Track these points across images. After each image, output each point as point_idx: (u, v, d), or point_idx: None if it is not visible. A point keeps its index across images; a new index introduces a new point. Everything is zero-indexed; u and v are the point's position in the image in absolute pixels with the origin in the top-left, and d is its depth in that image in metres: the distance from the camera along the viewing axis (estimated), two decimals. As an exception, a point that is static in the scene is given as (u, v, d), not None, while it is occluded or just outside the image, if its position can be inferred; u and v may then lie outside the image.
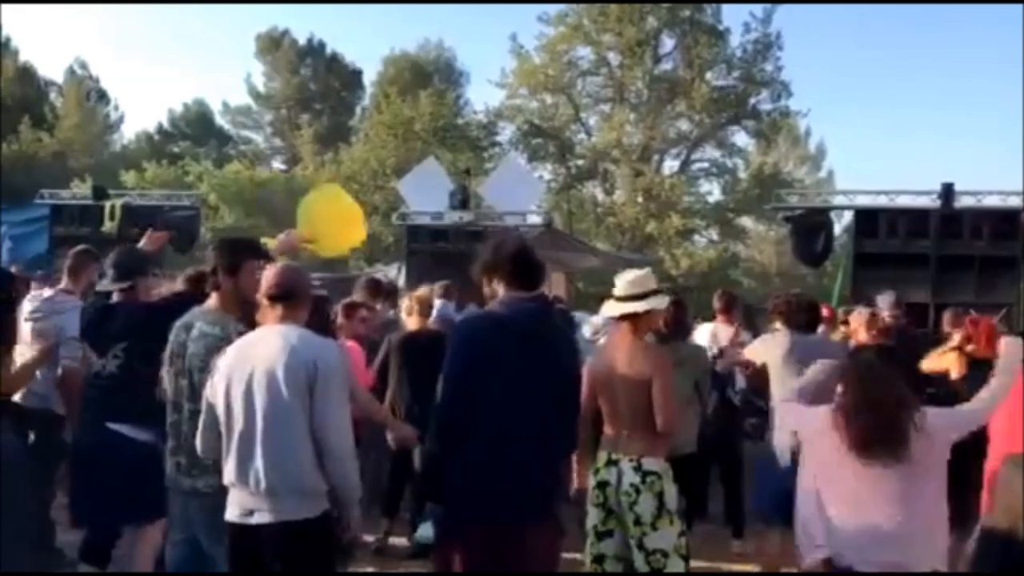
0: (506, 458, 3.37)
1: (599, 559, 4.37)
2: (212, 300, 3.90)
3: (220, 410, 3.43)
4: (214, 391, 3.46)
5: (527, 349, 3.44)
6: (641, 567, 4.22)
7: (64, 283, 5.74)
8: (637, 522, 4.21)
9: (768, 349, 5.38)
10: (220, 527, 3.57)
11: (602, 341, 6.80)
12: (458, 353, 3.49)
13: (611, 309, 4.49)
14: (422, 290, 6.82)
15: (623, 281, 4.45)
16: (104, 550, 4.65)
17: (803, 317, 5.39)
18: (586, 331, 7.22)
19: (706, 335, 7.06)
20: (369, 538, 6.02)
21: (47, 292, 5.80)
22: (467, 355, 3.46)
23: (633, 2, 30.45)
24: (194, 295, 4.39)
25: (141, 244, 5.32)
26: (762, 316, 9.72)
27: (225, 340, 3.65)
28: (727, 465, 6.79)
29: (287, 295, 3.50)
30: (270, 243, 4.49)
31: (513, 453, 3.38)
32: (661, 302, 4.50)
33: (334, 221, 4.78)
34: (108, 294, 4.72)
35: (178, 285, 5.33)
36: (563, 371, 3.62)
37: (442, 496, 3.55)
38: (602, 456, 4.39)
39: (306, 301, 3.60)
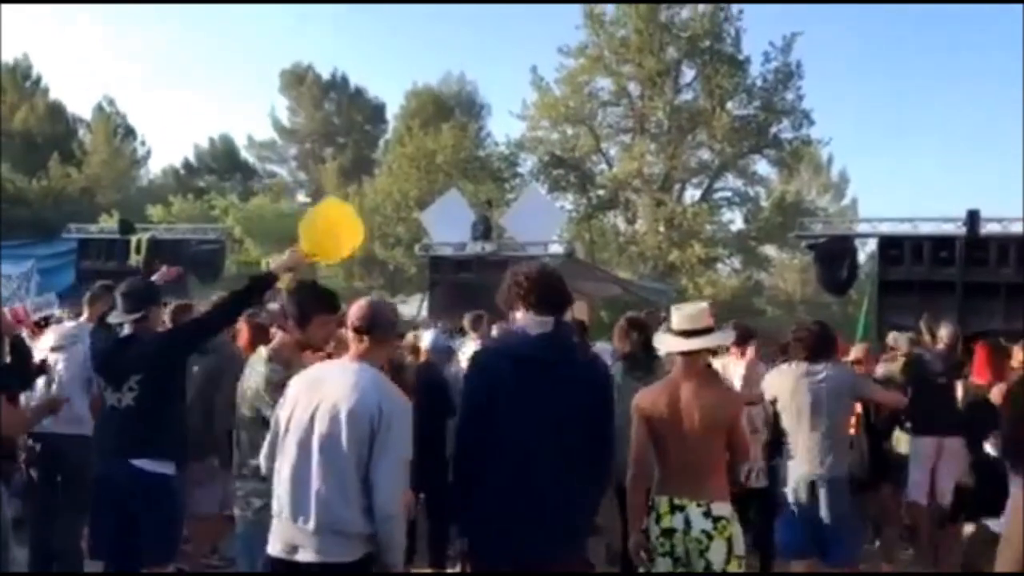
0: (524, 492, 3.24)
1: None
2: (276, 340, 4.07)
3: (280, 435, 3.42)
4: (278, 417, 3.47)
5: (544, 377, 3.30)
6: None
7: (85, 315, 5.82)
8: (708, 569, 4.04)
9: (780, 380, 5.34)
10: (243, 554, 3.61)
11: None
12: (471, 383, 3.43)
13: (672, 344, 4.30)
14: (410, 336, 6.94)
15: (684, 315, 4.26)
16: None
17: (813, 347, 5.28)
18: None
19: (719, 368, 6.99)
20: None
21: (69, 323, 5.88)
22: (480, 385, 3.37)
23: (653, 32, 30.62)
24: (211, 324, 4.48)
25: (154, 278, 5.35)
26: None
27: (265, 380, 3.82)
28: (764, 502, 6.68)
29: (372, 328, 3.44)
30: (274, 260, 4.52)
31: (532, 487, 3.24)
32: (726, 337, 4.39)
33: (331, 229, 4.78)
34: (117, 326, 4.70)
35: (165, 317, 5.40)
36: (587, 400, 3.38)
37: (464, 530, 3.48)
38: (663, 502, 4.14)
39: (391, 338, 3.59)
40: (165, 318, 5.63)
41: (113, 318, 4.72)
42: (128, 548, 4.36)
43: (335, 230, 4.74)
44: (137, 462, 4.27)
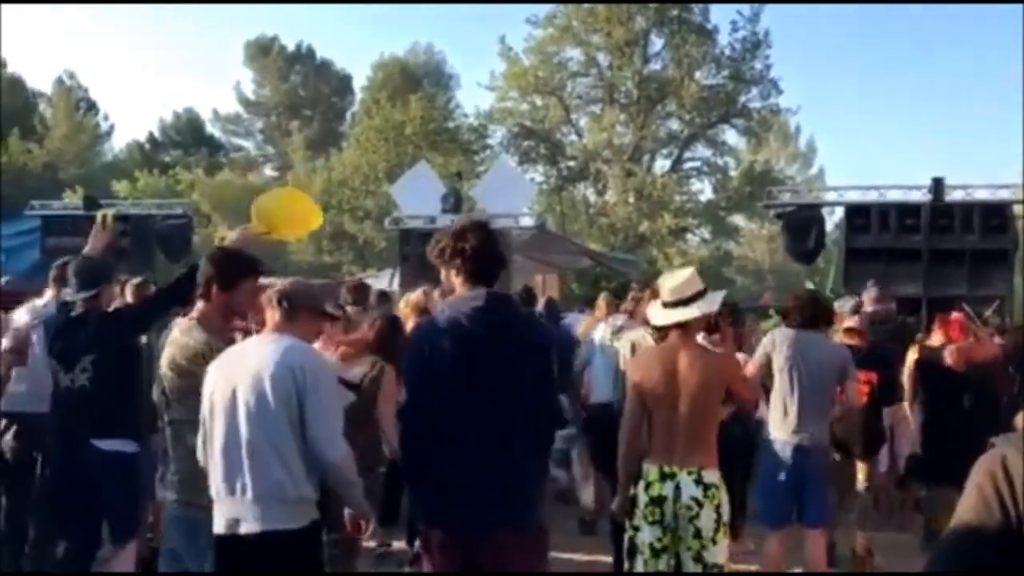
0: (471, 463, 3.23)
1: None
2: (197, 309, 3.82)
3: (205, 417, 3.39)
4: (203, 399, 3.43)
5: (481, 350, 3.27)
6: None
7: (50, 293, 5.73)
8: (697, 535, 4.07)
9: (776, 343, 5.33)
10: (190, 541, 3.56)
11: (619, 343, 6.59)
12: (410, 361, 3.42)
13: (661, 317, 4.30)
14: (415, 294, 6.81)
15: (669, 286, 4.26)
16: (86, 559, 4.60)
17: (804, 314, 5.32)
18: (598, 335, 7.04)
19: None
20: (371, 543, 6.02)
21: (39, 301, 5.81)
22: (418, 362, 3.35)
23: (622, 1, 30.49)
24: (160, 300, 4.38)
25: (88, 247, 5.25)
26: (752, 315, 9.74)
27: (192, 352, 3.62)
28: (737, 464, 6.72)
29: (288, 299, 3.46)
30: (228, 236, 4.45)
31: (477, 457, 3.23)
32: (712, 304, 4.29)
33: (287, 207, 4.75)
34: (72, 304, 4.62)
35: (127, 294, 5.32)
36: (527, 370, 3.36)
37: (418, 502, 3.54)
38: (652, 470, 4.16)
39: (308, 314, 3.55)
40: (127, 295, 5.56)
41: (66, 296, 4.66)
42: (90, 528, 4.35)
43: (291, 208, 4.72)
44: (97, 443, 4.23)
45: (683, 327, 4.21)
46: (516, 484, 3.33)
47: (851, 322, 6.51)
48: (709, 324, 4.95)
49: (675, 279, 4.33)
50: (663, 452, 4.15)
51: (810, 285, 8.53)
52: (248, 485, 3.25)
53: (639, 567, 4.20)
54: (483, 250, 3.38)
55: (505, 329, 3.36)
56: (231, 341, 3.68)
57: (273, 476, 3.25)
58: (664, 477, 4.12)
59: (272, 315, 3.48)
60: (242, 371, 3.33)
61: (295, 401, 3.25)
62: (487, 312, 3.31)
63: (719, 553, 4.08)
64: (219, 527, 3.35)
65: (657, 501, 4.11)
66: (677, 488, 4.09)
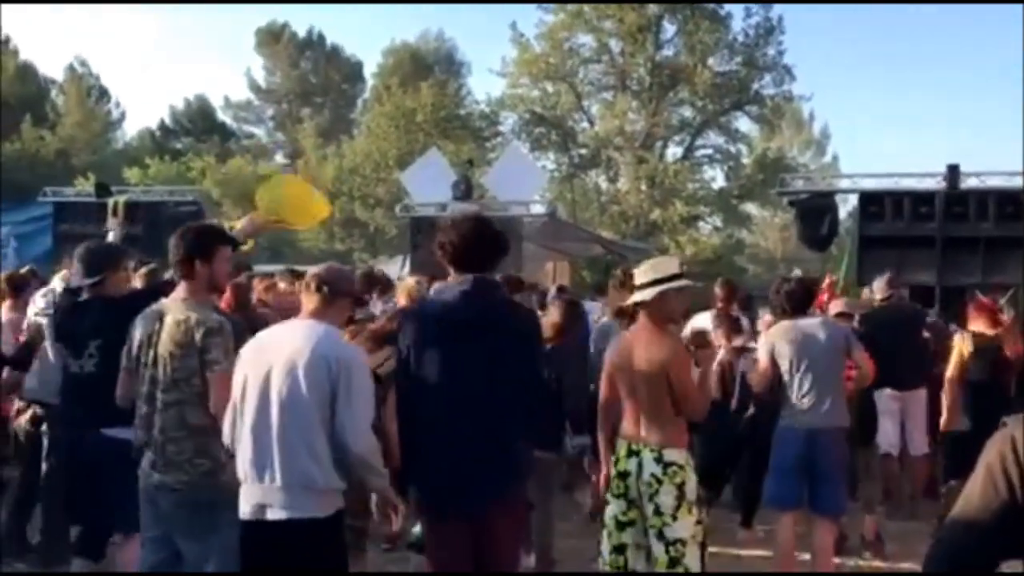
0: (459, 444, 3.41)
1: (620, 549, 4.31)
2: (182, 289, 3.75)
3: (236, 400, 3.38)
4: (234, 381, 3.42)
5: (465, 335, 3.47)
6: (660, 556, 4.18)
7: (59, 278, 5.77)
8: (657, 512, 4.16)
9: (777, 333, 5.34)
10: (196, 522, 3.53)
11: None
12: (399, 346, 3.60)
13: (638, 295, 4.37)
14: (409, 281, 6.80)
15: (641, 269, 4.39)
16: (99, 543, 4.60)
17: (794, 301, 5.35)
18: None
19: (706, 323, 7.03)
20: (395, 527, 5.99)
21: (55, 286, 5.83)
22: (405, 347, 3.54)
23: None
24: (162, 288, 4.32)
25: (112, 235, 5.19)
26: (765, 303, 9.69)
27: (203, 326, 3.56)
28: (758, 454, 6.70)
29: (324, 285, 3.45)
30: (236, 226, 4.41)
31: (465, 439, 3.41)
32: (671, 287, 4.27)
33: (294, 196, 4.75)
34: (79, 290, 4.59)
35: (136, 282, 5.31)
36: (511, 354, 3.54)
37: (412, 489, 3.65)
38: (622, 446, 4.33)
39: (345, 300, 3.55)
40: (136, 282, 5.55)
41: (72, 282, 4.65)
42: (100, 513, 4.35)
43: (296, 198, 4.72)
44: (105, 431, 4.21)
45: (649, 310, 4.29)
46: (506, 464, 3.54)
47: (840, 307, 6.50)
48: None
49: (648, 263, 4.48)
50: (629, 430, 4.32)
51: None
52: (277, 472, 3.26)
53: (603, 540, 4.35)
54: (466, 241, 3.59)
55: (488, 313, 3.57)
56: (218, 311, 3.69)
57: (302, 465, 3.25)
58: (630, 453, 4.27)
59: (309, 300, 3.47)
60: (277, 356, 3.33)
61: (328, 391, 3.26)
62: (471, 297, 3.52)
63: (680, 529, 4.15)
64: (245, 512, 3.36)
65: (622, 476, 4.28)
66: (640, 465, 4.22)
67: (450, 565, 3.56)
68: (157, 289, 4.52)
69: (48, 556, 5.32)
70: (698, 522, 4.26)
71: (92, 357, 4.31)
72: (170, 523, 3.65)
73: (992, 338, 6.10)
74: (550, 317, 5.44)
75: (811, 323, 5.27)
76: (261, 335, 3.55)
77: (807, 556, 5.40)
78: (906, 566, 5.90)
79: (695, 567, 4.20)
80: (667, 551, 4.15)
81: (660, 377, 4.21)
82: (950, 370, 6.09)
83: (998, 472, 1.50)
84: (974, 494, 1.53)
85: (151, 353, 3.65)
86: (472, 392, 3.47)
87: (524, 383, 3.59)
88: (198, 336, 3.56)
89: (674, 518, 4.15)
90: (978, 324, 6.22)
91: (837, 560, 5.66)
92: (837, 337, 5.23)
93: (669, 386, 4.19)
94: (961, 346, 6.10)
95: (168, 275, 4.36)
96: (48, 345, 5.10)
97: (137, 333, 3.73)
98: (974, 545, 1.52)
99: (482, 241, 3.65)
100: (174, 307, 3.69)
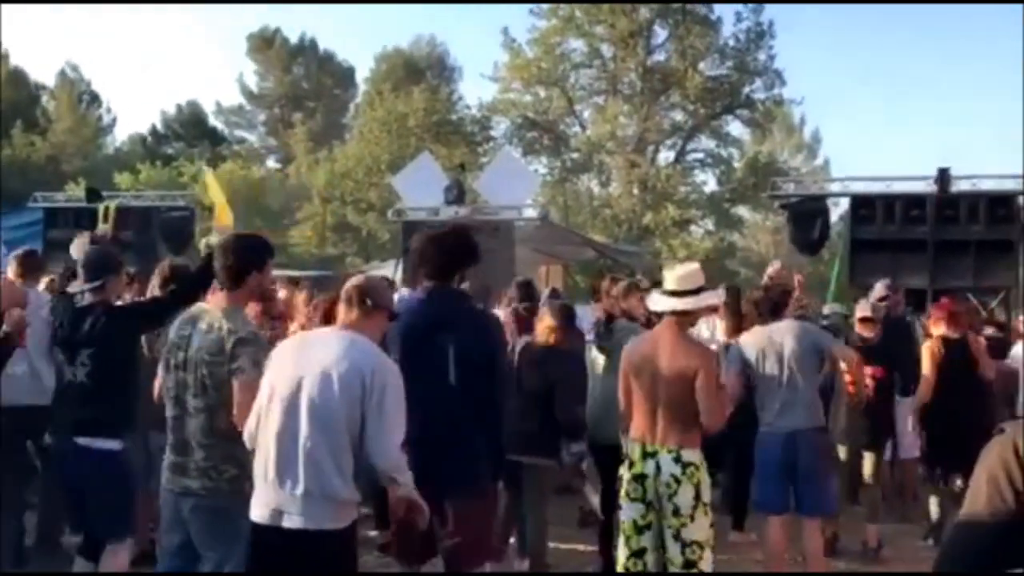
0: (427, 442, 3.56)
1: (639, 553, 4.33)
2: (222, 297, 3.76)
3: (262, 402, 3.34)
4: (262, 383, 3.39)
5: (433, 336, 3.79)
6: (675, 558, 4.21)
7: (43, 284, 5.74)
8: (676, 513, 4.20)
9: (752, 339, 5.40)
10: (216, 530, 3.51)
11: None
12: (392, 344, 3.88)
13: (661, 304, 4.46)
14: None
15: (674, 276, 4.45)
16: (97, 547, 4.58)
17: (766, 307, 5.47)
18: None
19: (704, 327, 7.03)
20: (373, 533, 5.99)
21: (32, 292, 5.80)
22: (396, 345, 3.87)
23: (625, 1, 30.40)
24: (171, 303, 4.32)
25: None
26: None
27: (235, 335, 3.56)
28: (742, 455, 6.69)
29: (368, 299, 3.43)
30: (212, 242, 4.41)
31: (431, 437, 3.57)
32: (714, 298, 4.60)
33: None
34: (77, 295, 4.55)
35: (154, 287, 5.29)
36: (469, 358, 3.83)
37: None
38: (635, 449, 4.34)
39: (383, 313, 3.53)
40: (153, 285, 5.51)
41: (73, 287, 4.63)
42: (89, 520, 4.34)
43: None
44: (82, 440, 4.21)
45: (676, 316, 4.39)
46: (467, 460, 3.75)
47: (866, 311, 6.49)
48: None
49: (680, 270, 4.52)
50: (645, 432, 4.33)
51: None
52: (300, 480, 3.21)
53: (620, 545, 4.38)
54: (424, 254, 4.04)
55: (444, 318, 3.86)
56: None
57: (325, 475, 3.21)
58: (646, 456, 4.30)
59: (348, 311, 3.44)
60: (310, 363, 3.28)
61: (359, 404, 3.22)
62: (427, 304, 3.85)
63: (697, 531, 4.21)
64: (259, 516, 3.30)
65: (639, 479, 4.31)
66: (657, 466, 4.25)
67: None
68: (156, 304, 4.52)
69: (43, 560, 5.30)
70: (711, 524, 4.31)
71: (84, 366, 4.29)
72: (191, 529, 3.65)
73: (957, 339, 6.23)
74: (543, 320, 5.43)
75: (780, 327, 5.30)
76: (294, 340, 3.54)
77: (799, 559, 5.41)
78: (898, 568, 5.91)
79: (709, 569, 4.25)
80: (683, 552, 4.19)
81: (687, 382, 4.24)
82: (925, 370, 6.29)
83: (1003, 479, 1.48)
84: (980, 502, 1.51)
85: (182, 356, 3.66)
86: (431, 391, 3.66)
87: (481, 384, 3.81)
88: (229, 344, 3.56)
89: (692, 519, 4.20)
90: (940, 327, 6.36)
91: (829, 562, 5.67)
92: (805, 337, 5.25)
93: (692, 392, 4.23)
94: (932, 348, 6.24)
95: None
96: (31, 349, 5.07)
97: (170, 335, 3.76)
98: (983, 554, 1.50)
99: (442, 251, 3.99)
100: (210, 313, 3.70)
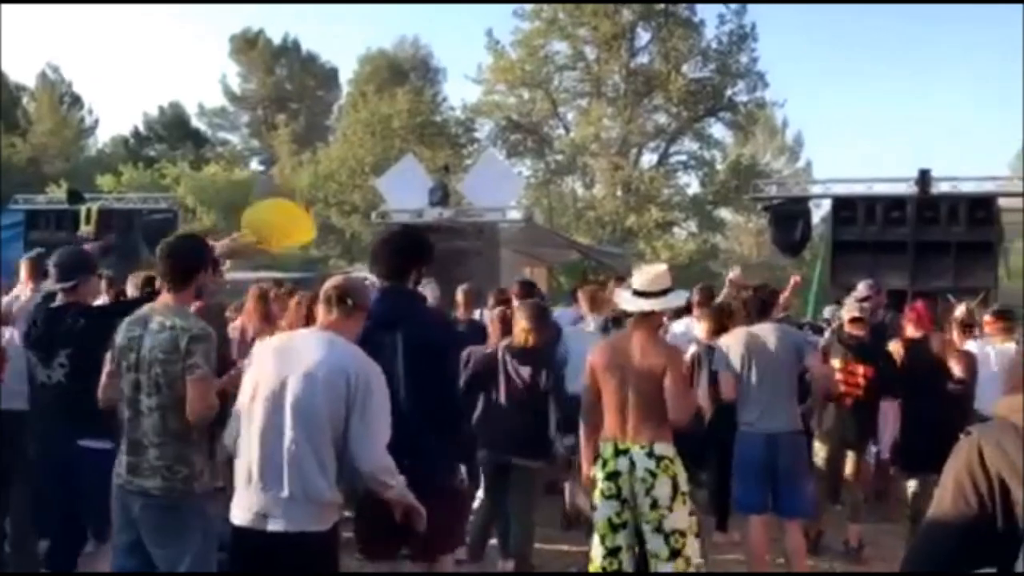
0: (394, 441, 3.52)
1: (614, 552, 4.37)
2: (170, 297, 3.74)
3: (244, 404, 3.33)
4: (244, 384, 3.39)
5: (384, 336, 3.83)
6: (660, 551, 4.26)
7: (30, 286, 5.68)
8: (654, 506, 4.26)
9: (734, 340, 5.45)
10: (167, 528, 3.52)
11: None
12: None
13: (631, 304, 4.55)
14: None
15: (643, 277, 4.56)
16: (69, 555, 4.51)
17: (753, 308, 5.55)
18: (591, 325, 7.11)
19: (682, 329, 7.05)
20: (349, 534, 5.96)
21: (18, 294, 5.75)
22: None
23: (608, 1, 30.48)
24: (143, 298, 4.30)
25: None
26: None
27: (188, 332, 3.55)
28: (724, 454, 6.71)
29: (350, 299, 3.44)
30: (216, 246, 4.38)
31: (395, 436, 3.52)
32: (679, 299, 4.74)
33: (279, 219, 4.80)
34: (53, 296, 4.54)
35: (129, 289, 5.26)
36: (420, 359, 3.89)
37: None
38: (607, 448, 4.41)
39: (363, 312, 3.53)
40: (130, 289, 5.50)
41: (46, 286, 4.59)
42: (73, 526, 4.30)
43: (285, 220, 4.76)
44: (75, 440, 4.18)
45: (645, 316, 4.50)
46: (428, 459, 3.75)
47: (856, 311, 6.54)
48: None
49: (649, 272, 4.63)
50: (616, 430, 4.40)
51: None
52: (284, 482, 3.20)
53: (595, 544, 4.43)
54: (375, 255, 4.19)
55: (394, 317, 3.92)
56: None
57: (309, 477, 3.21)
58: (618, 453, 4.36)
59: (328, 312, 3.45)
60: (294, 365, 3.28)
61: (343, 406, 3.22)
62: (379, 304, 3.89)
63: (678, 519, 4.28)
64: (241, 519, 3.29)
65: (613, 476, 4.36)
66: (631, 463, 4.31)
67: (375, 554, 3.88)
68: (131, 302, 4.49)
69: (19, 566, 5.25)
70: (691, 513, 4.38)
71: (62, 367, 4.26)
72: (141, 528, 3.62)
73: (919, 339, 6.31)
74: (518, 323, 5.43)
75: (765, 329, 5.34)
76: (275, 342, 3.53)
77: (781, 560, 5.44)
78: (879, 568, 5.96)
79: (697, 557, 4.32)
80: (667, 542, 4.25)
81: (656, 380, 4.34)
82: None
83: (967, 482, 1.52)
84: (946, 503, 1.54)
85: (134, 357, 3.63)
86: (398, 392, 3.66)
87: (431, 383, 3.89)
88: (183, 342, 3.54)
89: (670, 509, 4.26)
90: (909, 328, 6.48)
91: (811, 562, 5.71)
92: (788, 342, 5.29)
93: (662, 389, 4.32)
94: (894, 349, 6.34)
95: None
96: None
97: (119, 337, 3.71)
98: (949, 554, 1.53)
99: (392, 252, 4.11)
100: (159, 313, 3.67)
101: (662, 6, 31.10)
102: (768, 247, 23.64)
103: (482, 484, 5.61)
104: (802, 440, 5.40)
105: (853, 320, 6.41)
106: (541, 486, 6.01)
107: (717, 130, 34.07)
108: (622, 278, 6.67)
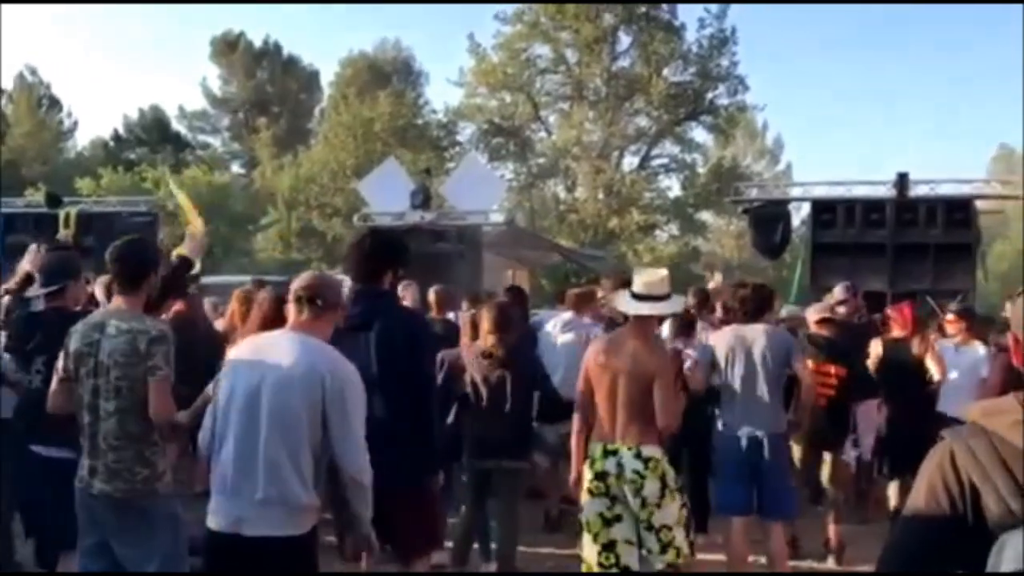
0: (371, 438, 3.48)
1: (610, 546, 4.41)
2: (123, 300, 3.71)
3: (219, 407, 3.30)
4: (217, 386, 3.36)
5: (359, 335, 3.91)
6: (653, 547, 4.37)
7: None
8: (644, 504, 4.35)
9: (722, 340, 5.43)
10: (130, 530, 3.50)
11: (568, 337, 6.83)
12: None
13: (632, 307, 4.57)
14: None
15: (644, 280, 4.58)
16: (51, 556, 4.49)
17: (749, 307, 5.45)
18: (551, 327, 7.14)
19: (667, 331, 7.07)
20: (331, 538, 5.94)
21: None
22: None
23: (589, 1, 30.57)
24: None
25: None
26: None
27: (147, 335, 3.54)
28: (697, 455, 6.69)
29: (319, 299, 3.39)
30: (182, 251, 4.34)
31: (371, 433, 3.48)
32: (678, 305, 4.81)
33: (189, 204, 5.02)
34: (32, 300, 4.52)
35: (97, 291, 5.23)
36: (391, 357, 3.94)
37: None
38: (596, 448, 4.47)
39: (334, 312, 3.48)
40: (97, 291, 5.47)
41: (30, 291, 4.56)
42: (49, 533, 4.28)
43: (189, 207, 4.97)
44: (36, 448, 4.16)
45: (642, 319, 4.54)
46: (405, 455, 3.83)
47: (824, 313, 6.57)
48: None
49: (651, 276, 4.65)
50: (605, 431, 4.47)
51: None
52: (259, 486, 3.17)
53: (586, 544, 4.48)
54: (347, 258, 4.29)
55: (365, 317, 3.98)
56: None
57: (286, 481, 3.18)
58: (607, 454, 4.43)
59: (299, 312, 3.39)
60: (268, 368, 3.24)
61: (320, 408, 3.19)
62: (352, 305, 3.95)
63: (666, 515, 4.38)
64: (217, 524, 3.26)
65: (601, 476, 4.42)
66: (619, 464, 4.38)
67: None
68: None
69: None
70: (683, 506, 4.47)
71: (39, 373, 4.22)
72: (107, 530, 3.60)
73: (901, 339, 6.36)
74: (483, 326, 5.35)
75: (754, 329, 5.32)
76: (248, 344, 3.50)
77: (763, 560, 5.46)
78: (861, 569, 5.99)
79: (686, 548, 4.42)
80: (657, 538, 4.36)
81: (646, 383, 4.38)
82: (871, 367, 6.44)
83: (939, 485, 1.55)
84: (919, 506, 1.58)
85: (92, 363, 3.60)
86: (374, 391, 3.65)
87: (412, 384, 3.96)
88: (143, 344, 3.53)
89: (658, 506, 4.35)
90: (895, 329, 6.52)
91: (792, 563, 5.73)
92: (777, 345, 5.28)
93: (651, 393, 4.37)
94: (872, 350, 6.39)
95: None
96: None
97: (74, 343, 3.67)
98: (921, 552, 1.57)
99: (363, 254, 4.18)
100: (115, 317, 3.66)
101: (643, 9, 31.20)
102: (749, 249, 23.79)
103: (464, 490, 5.61)
104: (783, 441, 5.38)
105: (820, 321, 6.43)
106: (525, 488, 6.01)
107: (698, 133, 34.29)
108: (607, 278, 6.69)
